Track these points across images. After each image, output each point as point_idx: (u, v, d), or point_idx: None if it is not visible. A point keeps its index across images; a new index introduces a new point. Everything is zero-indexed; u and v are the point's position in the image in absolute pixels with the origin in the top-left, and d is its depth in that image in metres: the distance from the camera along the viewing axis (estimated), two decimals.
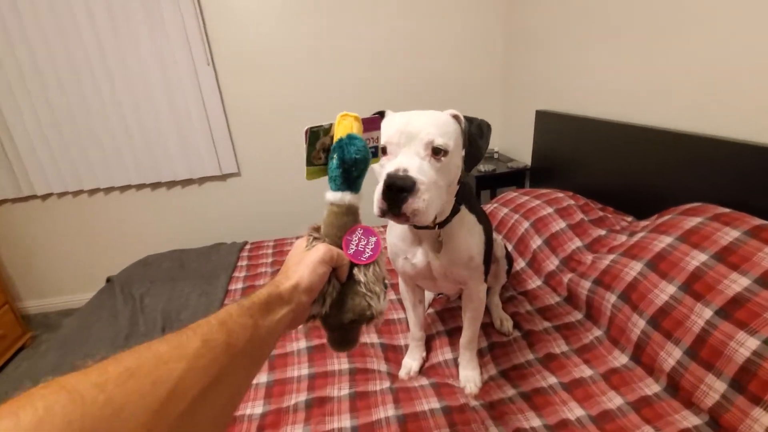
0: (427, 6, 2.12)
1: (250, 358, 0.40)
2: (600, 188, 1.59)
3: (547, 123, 1.92)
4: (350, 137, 0.52)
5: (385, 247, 0.93)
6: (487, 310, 1.21)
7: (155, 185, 2.24)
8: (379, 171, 0.72)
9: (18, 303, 2.33)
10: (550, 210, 1.47)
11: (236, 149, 2.22)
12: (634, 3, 1.38)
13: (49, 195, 2.18)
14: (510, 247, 1.51)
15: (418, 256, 0.89)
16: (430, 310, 1.30)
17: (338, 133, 0.54)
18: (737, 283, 0.84)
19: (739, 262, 0.87)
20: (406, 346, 1.14)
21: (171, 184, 2.26)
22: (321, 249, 0.50)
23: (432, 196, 0.67)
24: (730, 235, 0.93)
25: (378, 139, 0.61)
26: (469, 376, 1.01)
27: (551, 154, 1.93)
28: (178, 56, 1.94)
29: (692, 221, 1.02)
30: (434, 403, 0.92)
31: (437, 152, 0.70)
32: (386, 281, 0.55)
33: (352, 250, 0.53)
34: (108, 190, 2.21)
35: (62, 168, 2.08)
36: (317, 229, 0.55)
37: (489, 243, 0.94)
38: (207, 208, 2.34)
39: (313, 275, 0.48)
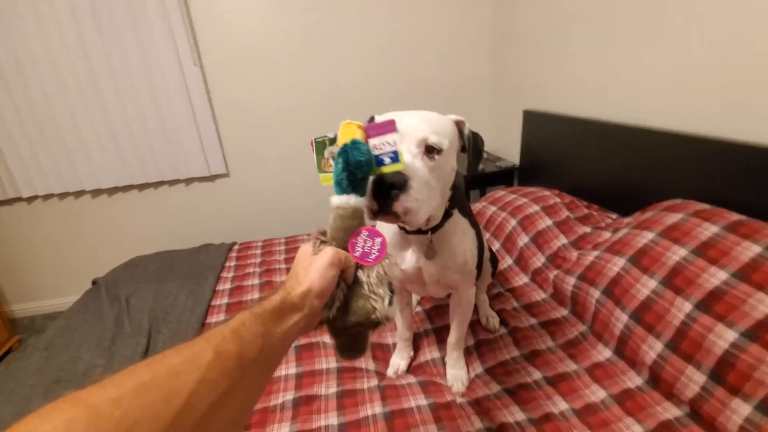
0: (417, 7, 2.12)
1: (261, 369, 0.40)
2: (586, 186, 1.60)
3: (535, 122, 1.94)
4: (354, 142, 0.54)
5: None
6: (474, 308, 1.21)
7: (142, 186, 2.22)
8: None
9: (4, 307, 2.30)
10: (536, 208, 1.49)
11: (225, 150, 2.20)
12: (616, 10, 1.40)
13: (35, 198, 2.15)
14: (498, 245, 1.52)
15: (408, 262, 0.86)
16: (419, 309, 1.30)
17: (342, 139, 0.56)
18: (716, 276, 0.86)
19: (718, 256, 0.88)
20: (394, 345, 1.14)
21: (158, 185, 2.23)
22: (329, 252, 0.51)
23: (425, 196, 0.64)
24: (709, 230, 0.94)
25: (395, 143, 0.58)
26: (457, 375, 1.02)
27: (539, 152, 1.94)
28: (164, 57, 1.92)
29: (673, 217, 1.04)
30: (421, 400, 0.92)
31: (431, 150, 0.66)
32: (390, 285, 0.55)
33: (358, 252, 0.54)
34: (95, 192, 2.18)
35: (47, 170, 2.04)
36: (324, 234, 0.55)
37: (481, 247, 0.93)
38: (195, 209, 2.32)
39: (324, 279, 0.48)
